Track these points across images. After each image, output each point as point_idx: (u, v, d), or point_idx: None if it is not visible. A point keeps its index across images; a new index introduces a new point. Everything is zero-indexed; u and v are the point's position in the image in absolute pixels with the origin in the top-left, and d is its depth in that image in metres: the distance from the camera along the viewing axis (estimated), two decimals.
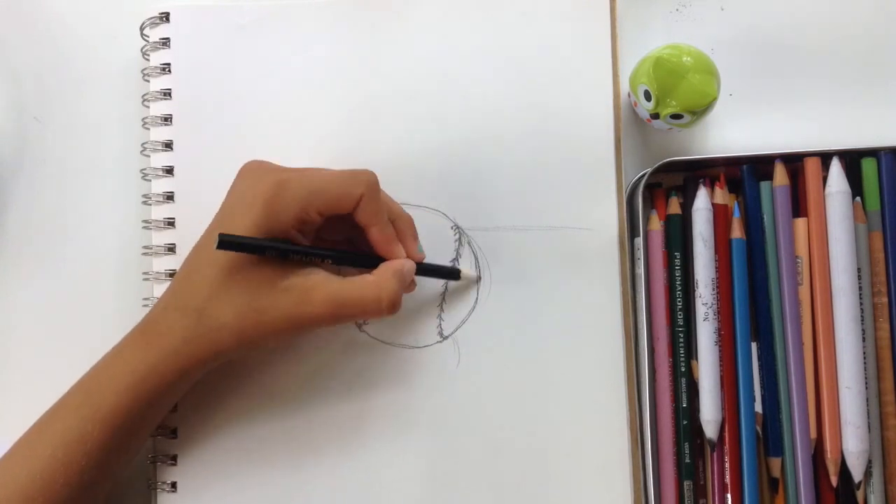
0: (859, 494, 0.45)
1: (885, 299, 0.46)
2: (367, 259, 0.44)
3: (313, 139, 0.49)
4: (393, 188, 0.47)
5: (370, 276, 0.43)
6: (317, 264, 0.43)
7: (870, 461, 0.45)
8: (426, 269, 0.46)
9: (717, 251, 0.47)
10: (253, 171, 0.43)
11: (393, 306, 0.42)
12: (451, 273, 0.47)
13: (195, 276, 0.42)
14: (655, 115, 0.47)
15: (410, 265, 0.44)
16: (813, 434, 0.45)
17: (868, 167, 0.47)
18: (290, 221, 0.41)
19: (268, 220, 0.41)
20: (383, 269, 0.43)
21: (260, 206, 0.41)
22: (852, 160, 0.47)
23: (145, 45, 0.50)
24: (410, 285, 0.46)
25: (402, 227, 0.45)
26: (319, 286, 0.42)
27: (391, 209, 0.45)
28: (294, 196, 0.41)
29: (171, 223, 0.48)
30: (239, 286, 0.41)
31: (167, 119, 0.49)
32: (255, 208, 0.41)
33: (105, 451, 0.41)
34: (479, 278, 0.48)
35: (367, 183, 0.42)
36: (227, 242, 0.40)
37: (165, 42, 0.49)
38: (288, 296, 0.41)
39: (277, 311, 0.41)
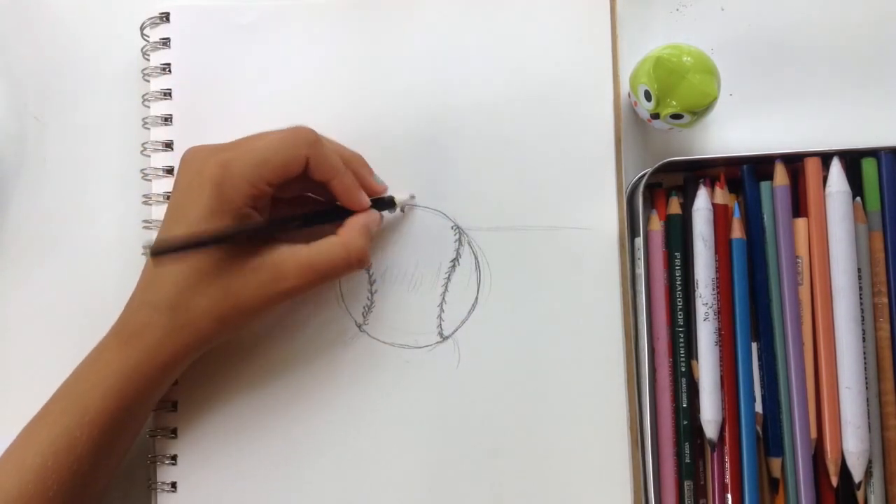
0: (859, 494, 0.45)
1: (885, 299, 0.46)
2: (317, 217, 0.45)
3: None
4: (393, 188, 0.47)
5: (335, 238, 0.43)
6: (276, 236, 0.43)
7: (870, 461, 0.45)
8: (376, 204, 0.46)
9: (717, 251, 0.47)
10: (194, 158, 0.43)
11: (361, 262, 0.43)
12: (388, 203, 0.47)
13: (162, 271, 0.42)
14: (655, 115, 0.47)
15: (375, 216, 0.45)
16: (813, 434, 0.45)
17: (868, 167, 0.47)
18: (243, 199, 0.42)
19: (220, 204, 0.41)
20: (348, 226, 0.44)
21: (209, 192, 0.41)
22: (852, 160, 0.47)
23: (145, 45, 0.50)
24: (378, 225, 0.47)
25: (356, 168, 0.45)
26: (289, 258, 0.42)
27: (341, 154, 0.45)
28: (241, 174, 0.41)
29: None
30: (209, 275, 0.41)
31: (167, 119, 0.49)
32: (204, 195, 0.41)
33: (95, 453, 0.41)
34: (412, 196, 0.48)
35: (309, 142, 0.43)
36: (160, 251, 0.39)
37: (166, 42, 0.49)
38: (260, 274, 0.42)
39: (252, 290, 0.42)
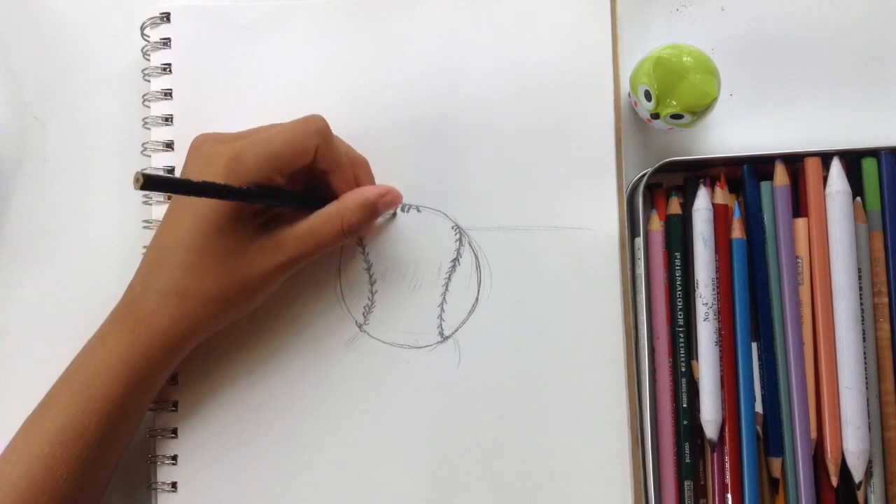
0: (859, 494, 0.45)
1: (885, 299, 0.46)
2: (309, 199, 0.45)
3: None
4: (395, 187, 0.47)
5: (332, 206, 0.44)
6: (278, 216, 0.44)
7: (870, 461, 0.45)
8: None
9: (717, 251, 0.47)
10: (205, 147, 0.43)
11: (351, 228, 0.44)
12: None
13: (168, 257, 0.42)
14: (656, 115, 0.47)
15: (391, 193, 0.46)
16: (813, 434, 0.45)
17: (868, 167, 0.47)
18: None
19: None
20: (347, 196, 0.44)
21: (220, 181, 0.41)
22: (852, 160, 0.47)
23: (146, 46, 0.50)
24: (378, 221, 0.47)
25: (358, 172, 0.46)
26: (288, 234, 0.43)
27: (347, 153, 0.45)
28: (252, 166, 0.41)
29: None
30: (214, 259, 0.42)
31: (168, 119, 0.49)
32: None
33: (103, 440, 0.41)
34: (394, 215, 0.48)
35: (320, 132, 0.43)
36: (150, 181, 0.36)
37: (166, 42, 0.49)
38: (264, 253, 0.42)
39: (257, 269, 0.42)
